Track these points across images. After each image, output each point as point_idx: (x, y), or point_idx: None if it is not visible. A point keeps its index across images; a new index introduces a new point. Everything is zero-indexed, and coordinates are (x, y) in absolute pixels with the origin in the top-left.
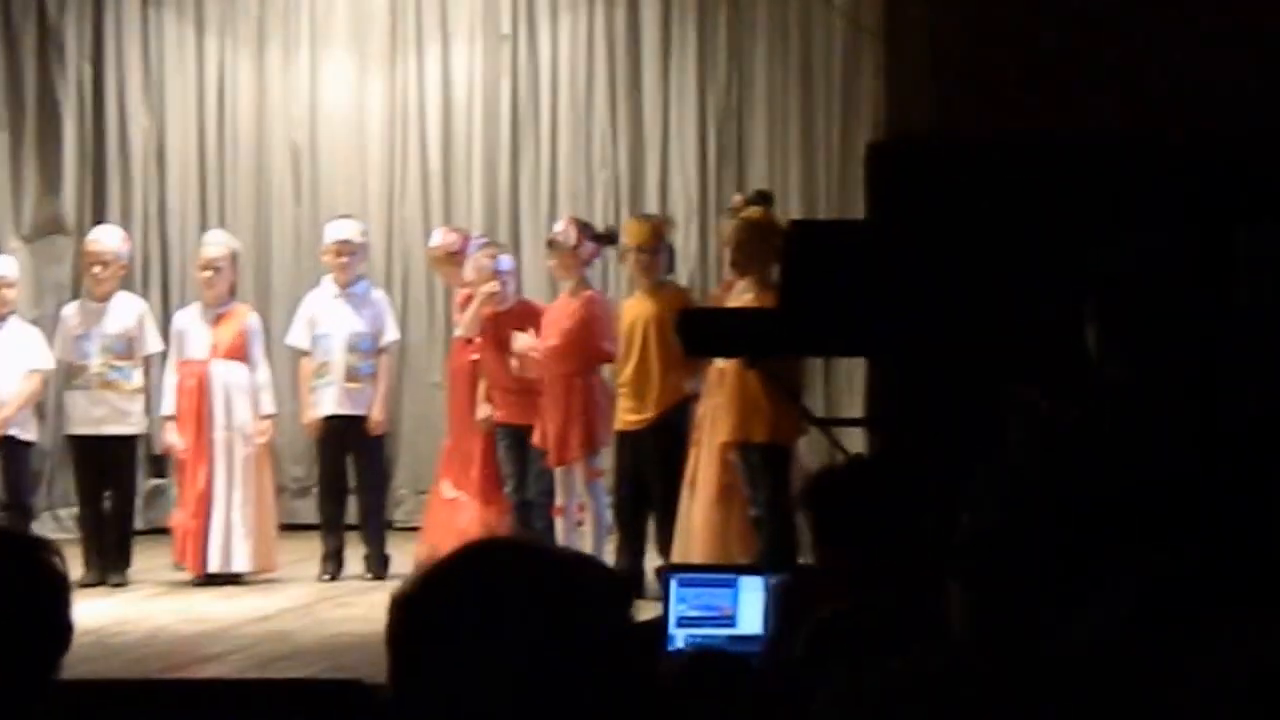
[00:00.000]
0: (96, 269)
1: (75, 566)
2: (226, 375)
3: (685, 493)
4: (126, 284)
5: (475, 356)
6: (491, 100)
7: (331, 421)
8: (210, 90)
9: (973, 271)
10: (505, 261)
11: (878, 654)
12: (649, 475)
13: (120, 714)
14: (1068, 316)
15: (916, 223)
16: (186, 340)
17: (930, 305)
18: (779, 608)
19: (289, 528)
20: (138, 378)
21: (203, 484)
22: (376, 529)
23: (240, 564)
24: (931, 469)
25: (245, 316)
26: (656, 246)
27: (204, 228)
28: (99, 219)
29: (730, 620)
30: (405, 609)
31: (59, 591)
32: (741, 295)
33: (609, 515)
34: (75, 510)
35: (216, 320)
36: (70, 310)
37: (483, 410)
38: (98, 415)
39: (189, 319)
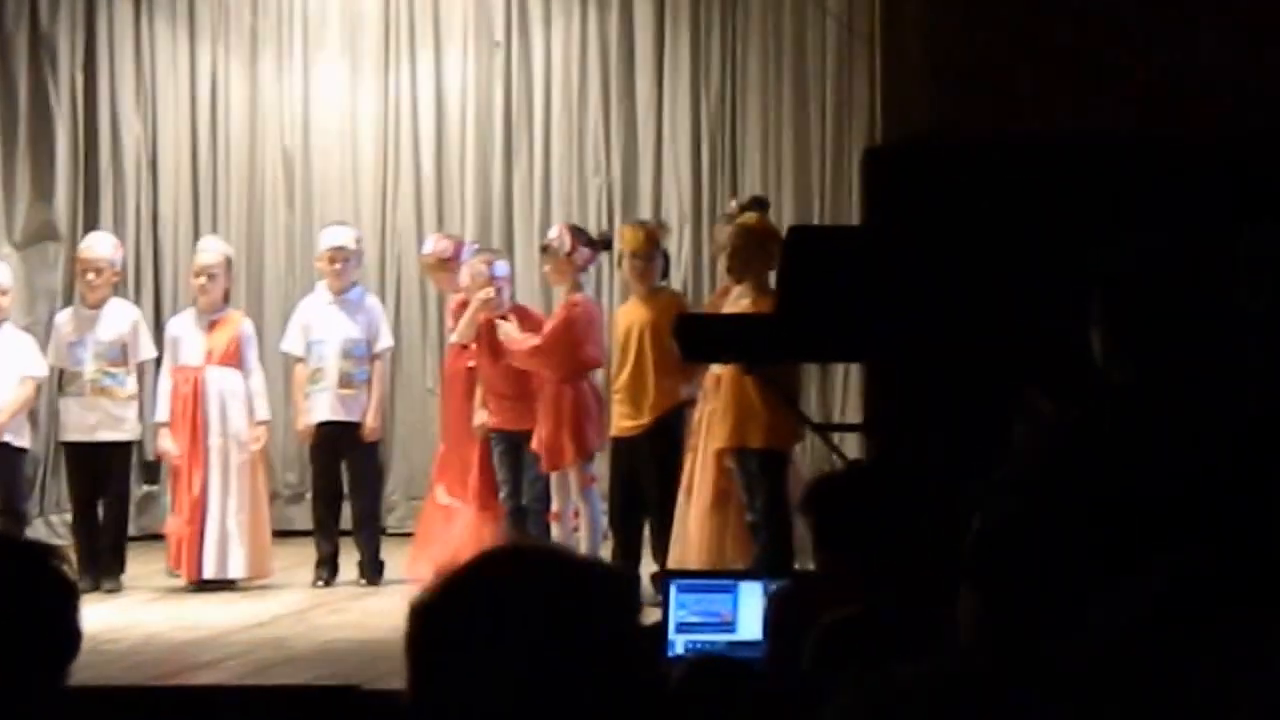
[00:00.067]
0: (90, 276)
1: None
2: (221, 381)
3: (681, 498)
4: (118, 291)
5: (472, 363)
6: (484, 106)
7: (325, 428)
8: (203, 96)
9: (971, 276)
10: (501, 267)
11: (886, 659)
12: (645, 481)
13: None
14: (1068, 319)
15: (914, 227)
16: (181, 346)
17: (929, 310)
18: (779, 614)
19: (282, 534)
20: (131, 384)
21: (197, 490)
22: (370, 535)
23: (236, 570)
24: (931, 473)
25: (239, 323)
26: (651, 253)
27: (196, 234)
28: (91, 225)
29: (730, 626)
30: (424, 617)
31: (67, 598)
32: (738, 301)
33: (604, 521)
34: (68, 517)
35: (210, 327)
36: (63, 317)
37: (479, 416)
38: (91, 422)
39: (183, 325)
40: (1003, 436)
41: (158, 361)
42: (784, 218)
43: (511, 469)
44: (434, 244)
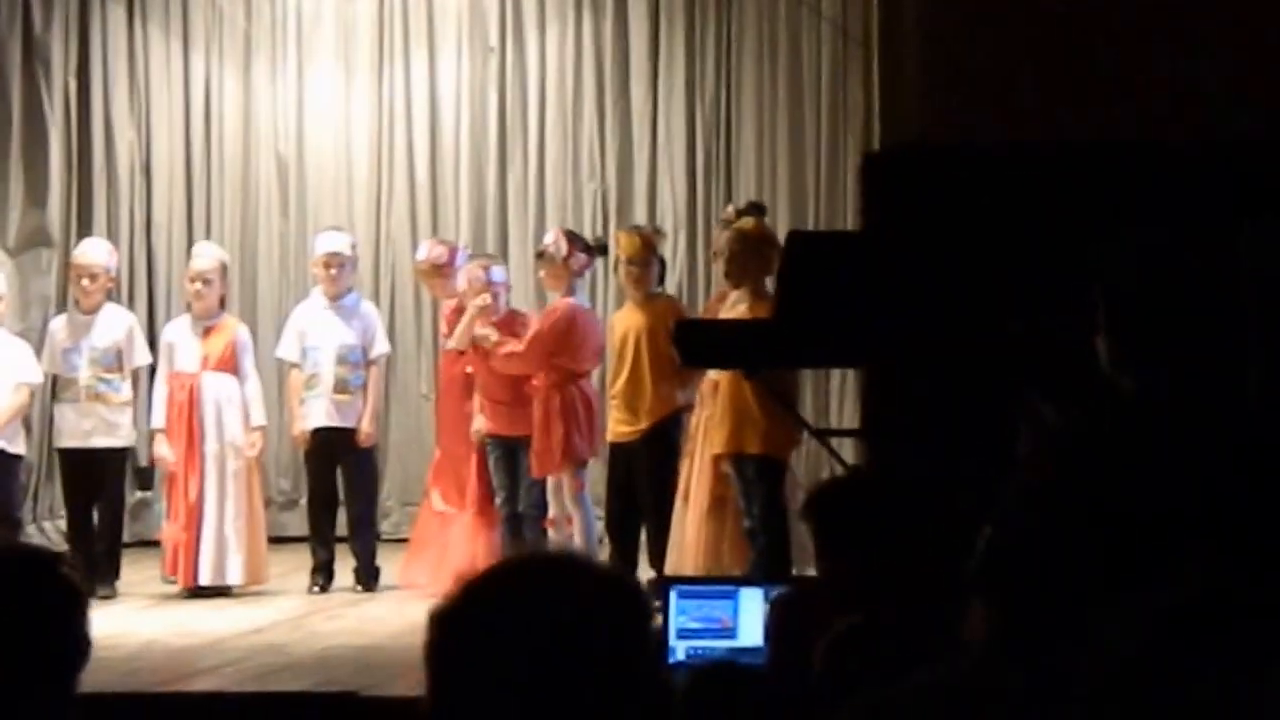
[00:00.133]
0: (85, 282)
1: None
2: (217, 387)
3: (678, 504)
4: (112, 297)
5: (470, 369)
6: (479, 111)
7: (321, 434)
8: (196, 103)
9: (971, 281)
10: (498, 273)
11: (896, 669)
12: (641, 487)
13: None
14: (1067, 324)
15: (913, 232)
16: (176, 353)
17: (928, 315)
18: (781, 620)
19: (275, 540)
20: (126, 390)
21: (194, 496)
22: (366, 541)
23: (233, 577)
24: (932, 479)
25: (235, 328)
26: (647, 259)
27: (190, 240)
28: (84, 231)
29: (730, 632)
30: (445, 625)
31: (78, 605)
32: (735, 306)
33: (599, 526)
34: (62, 523)
35: (206, 333)
36: (58, 323)
37: (478, 422)
38: (87, 428)
39: (178, 331)
40: (1002, 441)
41: (152, 368)
42: (779, 222)
43: (507, 475)
44: (428, 250)
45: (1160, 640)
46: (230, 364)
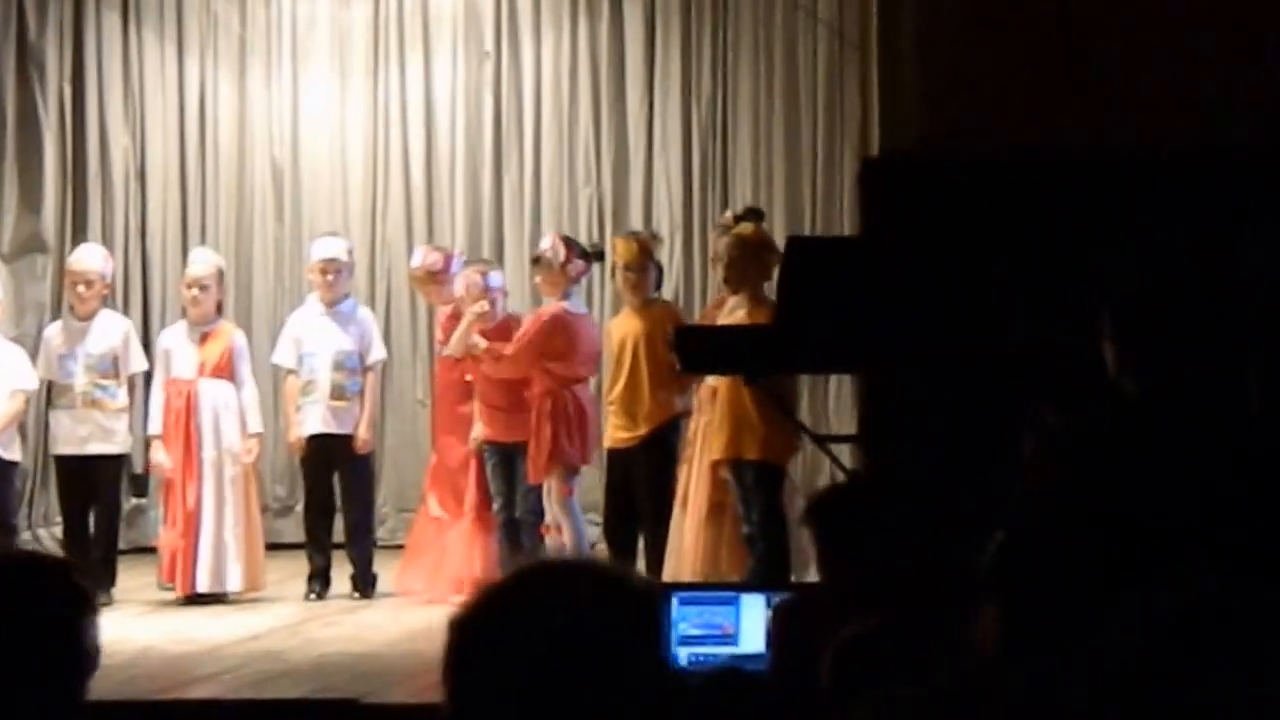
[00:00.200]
0: (80, 288)
1: None
2: (214, 394)
3: (676, 510)
4: (107, 303)
5: (469, 377)
6: (474, 116)
7: (317, 440)
8: (191, 108)
9: (969, 286)
10: (496, 278)
11: (906, 675)
12: (639, 493)
13: None
14: (1066, 330)
15: (912, 238)
16: (173, 359)
17: (927, 320)
18: (783, 627)
19: (272, 547)
20: (122, 396)
21: (191, 503)
22: (363, 548)
23: (231, 583)
24: (931, 484)
25: (231, 335)
26: (645, 265)
27: (185, 246)
28: (79, 237)
29: (732, 638)
30: (463, 632)
31: (87, 613)
32: (734, 312)
33: (590, 532)
34: (57, 530)
35: (203, 339)
36: (53, 330)
37: (477, 429)
38: (82, 434)
39: (175, 338)
40: (1001, 446)
41: (148, 374)
42: (775, 228)
43: (505, 481)
44: (423, 257)
45: (1162, 642)
46: (227, 370)
